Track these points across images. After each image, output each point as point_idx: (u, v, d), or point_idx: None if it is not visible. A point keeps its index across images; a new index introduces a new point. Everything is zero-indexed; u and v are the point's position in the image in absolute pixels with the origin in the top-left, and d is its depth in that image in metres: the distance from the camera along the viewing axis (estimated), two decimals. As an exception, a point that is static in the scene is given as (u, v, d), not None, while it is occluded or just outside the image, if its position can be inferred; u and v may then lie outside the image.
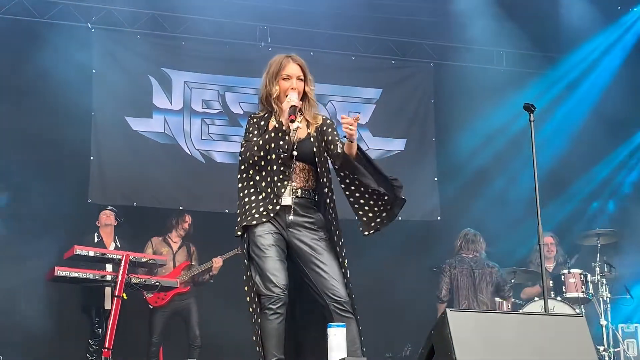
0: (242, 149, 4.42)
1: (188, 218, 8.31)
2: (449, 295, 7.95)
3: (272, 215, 4.32)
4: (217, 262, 8.08)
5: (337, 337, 3.36)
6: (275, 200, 4.31)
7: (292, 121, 4.25)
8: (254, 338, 4.25)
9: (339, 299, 4.22)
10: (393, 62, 10.09)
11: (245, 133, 4.49)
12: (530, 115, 5.06)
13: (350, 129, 4.17)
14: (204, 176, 9.03)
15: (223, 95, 9.38)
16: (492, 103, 9.56)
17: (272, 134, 4.32)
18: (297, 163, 4.37)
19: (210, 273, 8.14)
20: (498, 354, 3.51)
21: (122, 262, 6.62)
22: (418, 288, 8.83)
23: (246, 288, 4.37)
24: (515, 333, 3.61)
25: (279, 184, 4.33)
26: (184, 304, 8.07)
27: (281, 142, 4.30)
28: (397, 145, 9.97)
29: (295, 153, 4.35)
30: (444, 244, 8.73)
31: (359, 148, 4.31)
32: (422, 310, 8.47)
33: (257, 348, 4.24)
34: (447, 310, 3.60)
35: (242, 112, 9.25)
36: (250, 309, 4.30)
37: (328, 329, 3.41)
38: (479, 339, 3.52)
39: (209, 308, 8.24)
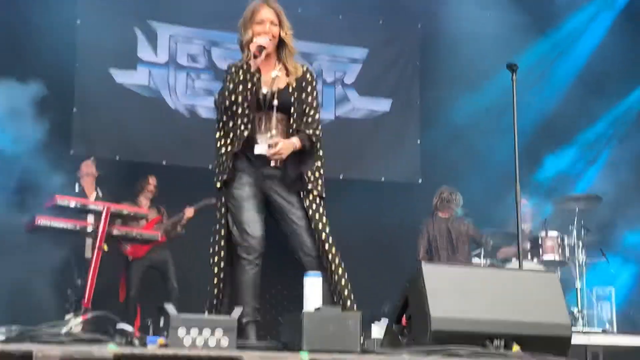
0: (219, 97, 4.41)
1: (152, 180, 8.32)
2: (427, 256, 8.03)
3: (243, 169, 4.35)
4: (189, 212, 8.12)
5: (314, 287, 3.40)
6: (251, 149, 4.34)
7: (255, 57, 4.23)
8: (208, 288, 4.33)
9: (310, 253, 4.29)
10: (380, 22, 10.07)
11: (223, 82, 4.47)
12: (512, 75, 5.09)
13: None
14: (187, 131, 9.02)
15: (209, 51, 9.35)
16: (478, 66, 9.57)
17: (242, 78, 4.31)
18: (276, 114, 4.37)
19: (181, 223, 8.17)
20: (471, 307, 3.57)
21: (104, 213, 6.63)
22: (397, 248, 8.91)
23: (211, 239, 4.41)
24: (489, 287, 3.67)
25: (251, 133, 4.34)
26: (161, 257, 8.12)
27: (249, 86, 4.29)
28: (383, 105, 10.00)
29: (275, 102, 4.34)
30: (425, 207, 8.79)
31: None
32: (401, 270, 8.53)
33: (214, 301, 4.32)
34: (422, 263, 3.66)
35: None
36: (212, 260, 4.36)
37: (304, 278, 3.44)
38: (452, 293, 3.58)
39: (185, 260, 8.29)
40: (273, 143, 4.27)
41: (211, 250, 4.42)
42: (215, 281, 4.37)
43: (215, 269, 4.38)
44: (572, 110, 9.74)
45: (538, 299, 3.67)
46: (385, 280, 8.80)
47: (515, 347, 3.49)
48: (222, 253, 4.36)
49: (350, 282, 4.47)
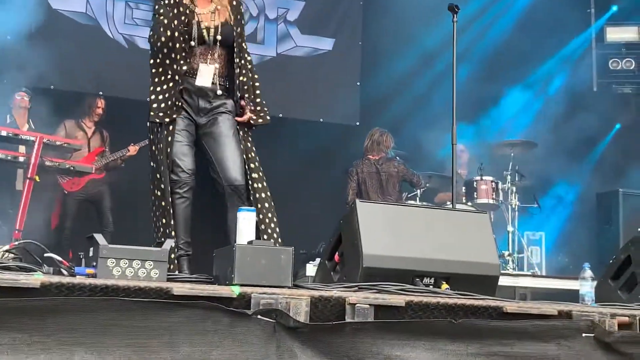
0: (151, 32, 4.37)
1: (101, 103, 8.16)
2: (355, 198, 8.09)
3: (179, 104, 4.33)
4: (133, 150, 8.02)
5: (247, 221, 3.39)
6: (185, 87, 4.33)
7: None
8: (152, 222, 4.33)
9: (234, 182, 4.32)
10: (325, -41, 9.95)
11: (153, 18, 4.41)
12: (453, 17, 5.09)
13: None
14: (125, 61, 8.82)
15: (148, -20, 9.11)
16: (422, 9, 9.52)
17: (175, 12, 4.26)
18: (219, 48, 4.38)
19: (123, 158, 8.07)
20: (402, 245, 3.61)
21: (36, 143, 6.50)
22: (331, 190, 8.94)
23: (150, 175, 4.40)
24: (421, 225, 3.71)
25: (190, 68, 4.33)
26: (97, 191, 8.01)
27: (185, 20, 4.26)
28: (326, 44, 9.92)
29: (219, 38, 4.35)
30: (361, 148, 8.83)
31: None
32: (337, 211, 8.58)
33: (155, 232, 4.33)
34: (357, 200, 3.68)
35: (167, -1, 9.02)
36: (152, 195, 4.36)
37: (238, 213, 3.43)
38: (384, 230, 3.61)
39: (122, 194, 8.19)
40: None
41: (151, 185, 4.41)
42: (158, 214, 4.38)
43: (156, 203, 4.38)
44: (513, 54, 9.80)
45: (469, 238, 3.73)
46: (320, 221, 8.85)
47: (445, 285, 3.55)
48: (162, 186, 4.35)
49: (278, 218, 4.54)
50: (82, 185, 7.85)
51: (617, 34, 10.05)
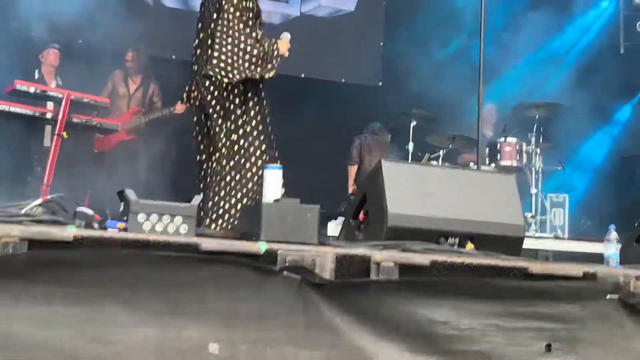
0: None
1: (130, 56, 8.14)
2: (359, 157, 8.28)
3: None
4: (179, 107, 7.87)
5: (273, 178, 3.42)
6: None
7: None
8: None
9: None
10: None
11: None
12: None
13: None
14: (153, 20, 8.79)
15: None
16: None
17: None
18: None
19: (170, 114, 7.99)
20: (427, 205, 3.63)
21: (64, 100, 6.53)
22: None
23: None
24: (446, 186, 3.73)
25: None
26: (128, 153, 8.02)
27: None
28: (349, 4, 9.86)
29: None
30: (383, 109, 8.82)
31: None
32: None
33: None
34: (382, 160, 3.69)
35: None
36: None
37: (265, 171, 3.47)
38: (409, 190, 3.63)
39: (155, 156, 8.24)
40: None
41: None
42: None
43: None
44: (542, 13, 9.67)
45: (494, 199, 3.74)
46: (341, 180, 8.89)
47: (470, 245, 3.58)
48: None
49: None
50: (114, 145, 7.87)
51: (646, -4, 9.92)
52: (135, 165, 8.05)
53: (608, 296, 3.18)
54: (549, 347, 3.11)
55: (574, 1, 9.76)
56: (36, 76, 7.69)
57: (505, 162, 7.90)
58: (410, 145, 8.21)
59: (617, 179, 8.88)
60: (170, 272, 2.75)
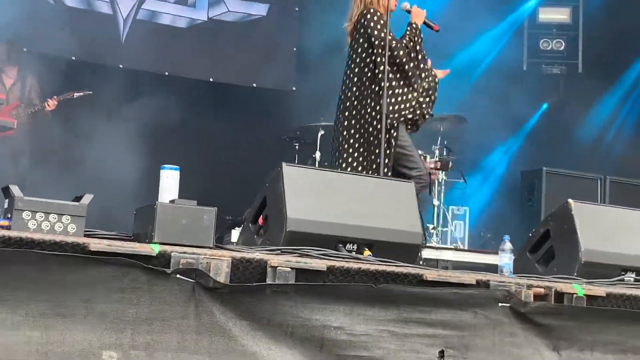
0: None
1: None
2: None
3: None
4: (51, 103, 7.72)
5: (170, 179, 3.34)
6: None
7: None
8: None
9: None
10: None
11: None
12: (389, -12, 5.07)
13: None
14: (51, 18, 8.53)
15: None
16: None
17: None
18: None
19: (44, 112, 7.81)
20: (327, 209, 3.61)
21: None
22: (264, 157, 8.89)
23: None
24: (346, 192, 3.72)
25: None
26: (10, 150, 7.76)
27: None
28: (259, 9, 9.79)
29: None
30: (296, 115, 8.78)
31: None
32: (266, 177, 8.55)
33: None
34: (283, 164, 3.65)
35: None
36: None
37: (161, 171, 3.38)
38: (310, 194, 3.61)
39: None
40: None
41: None
42: None
43: None
44: (448, 29, 9.80)
45: (393, 206, 3.75)
46: (251, 187, 8.78)
47: (367, 252, 3.57)
48: None
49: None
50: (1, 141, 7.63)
51: (549, 15, 10.21)
52: (17, 162, 7.80)
53: (500, 304, 3.22)
54: (442, 354, 3.13)
55: (480, 16, 9.93)
56: None
57: (408, 173, 7.96)
58: (318, 154, 8.20)
59: (516, 192, 9.07)
60: (57, 272, 2.64)
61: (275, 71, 9.72)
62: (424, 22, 5.34)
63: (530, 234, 4.18)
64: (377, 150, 4.96)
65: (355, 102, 5.21)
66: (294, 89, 9.82)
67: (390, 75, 5.07)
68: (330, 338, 2.97)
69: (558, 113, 10.14)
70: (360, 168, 5.10)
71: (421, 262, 4.33)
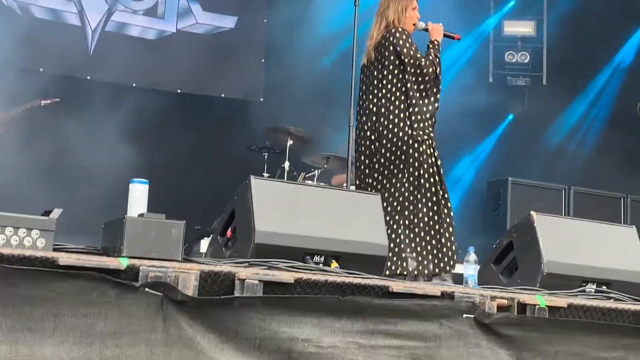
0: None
1: None
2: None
3: None
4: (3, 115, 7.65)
5: (139, 193, 3.37)
6: None
7: None
8: None
9: None
10: None
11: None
12: (355, 1, 5.14)
13: None
14: (19, 30, 8.50)
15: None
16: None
17: None
18: None
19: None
20: (295, 222, 3.65)
21: None
22: (232, 167, 8.91)
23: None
24: (314, 204, 3.76)
25: None
26: None
27: None
28: (228, 22, 9.84)
29: None
30: (265, 125, 8.81)
31: None
32: (236, 189, 8.56)
33: None
34: (251, 176, 3.69)
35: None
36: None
37: (130, 185, 3.40)
38: (278, 207, 3.65)
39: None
40: None
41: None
42: None
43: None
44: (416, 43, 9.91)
45: (359, 218, 3.80)
46: (219, 197, 8.79)
47: (334, 264, 3.62)
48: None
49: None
50: None
51: (514, 28, 10.37)
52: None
53: (464, 315, 3.27)
54: (408, 365, 3.17)
55: (447, 29, 10.03)
56: None
57: (375, 184, 8.03)
58: (287, 164, 8.24)
59: (482, 203, 9.18)
60: (25, 287, 2.65)
61: (243, 82, 9.76)
62: (444, 35, 5.37)
63: (494, 245, 4.26)
64: (402, 165, 5.08)
65: (383, 116, 5.19)
66: (262, 99, 9.88)
67: (417, 94, 5.12)
68: (297, 350, 3.00)
69: (523, 124, 10.29)
70: (385, 181, 5.13)
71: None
